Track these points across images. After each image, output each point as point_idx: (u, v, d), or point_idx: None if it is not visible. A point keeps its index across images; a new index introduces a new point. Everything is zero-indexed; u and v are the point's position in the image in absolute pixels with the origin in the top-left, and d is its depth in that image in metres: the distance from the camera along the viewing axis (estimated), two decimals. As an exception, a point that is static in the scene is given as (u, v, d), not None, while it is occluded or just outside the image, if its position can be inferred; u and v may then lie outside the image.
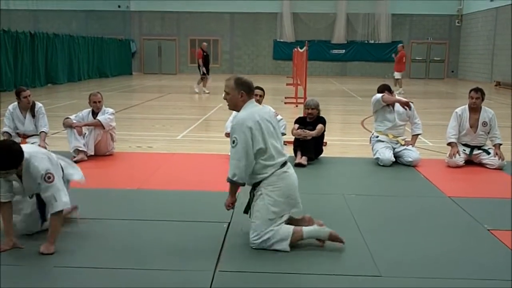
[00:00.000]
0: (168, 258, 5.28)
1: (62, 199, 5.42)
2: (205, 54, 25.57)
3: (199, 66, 25.60)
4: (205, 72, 25.35)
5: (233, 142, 5.43)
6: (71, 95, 23.53)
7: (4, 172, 5.18)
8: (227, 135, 10.10)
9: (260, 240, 5.45)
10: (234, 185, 5.64)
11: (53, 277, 4.88)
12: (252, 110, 5.59)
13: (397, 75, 26.91)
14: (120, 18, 43.17)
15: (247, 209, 5.79)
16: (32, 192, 5.64)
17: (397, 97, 10.16)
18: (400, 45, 28.72)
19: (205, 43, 26.93)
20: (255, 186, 5.64)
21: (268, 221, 5.46)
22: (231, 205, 5.77)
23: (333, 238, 5.60)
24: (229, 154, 5.58)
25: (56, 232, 5.43)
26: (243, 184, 5.62)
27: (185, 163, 9.70)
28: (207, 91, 24.80)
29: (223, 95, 5.79)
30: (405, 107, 9.83)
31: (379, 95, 9.90)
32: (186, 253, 5.41)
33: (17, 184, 5.50)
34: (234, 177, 5.49)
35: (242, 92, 5.60)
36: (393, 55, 27.73)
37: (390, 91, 10.03)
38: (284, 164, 5.64)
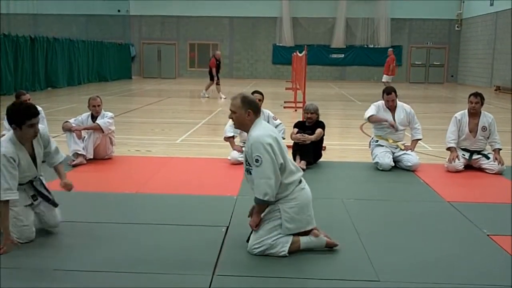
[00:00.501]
0: (166, 262, 5.26)
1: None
2: (218, 62, 25.65)
3: (211, 73, 25.56)
4: (218, 78, 25.54)
5: (257, 161, 5.25)
6: (71, 99, 23.52)
7: (36, 120, 5.59)
8: (226, 139, 10.12)
9: (261, 249, 5.41)
10: (263, 205, 5.46)
11: (52, 280, 4.85)
12: (264, 127, 5.49)
13: (385, 78, 26.98)
14: (120, 22, 43.25)
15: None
16: (40, 160, 5.90)
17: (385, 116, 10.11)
18: (390, 49, 28.70)
19: (218, 52, 27.18)
20: None
21: (275, 233, 5.45)
22: (257, 227, 5.54)
23: (329, 245, 5.63)
24: (253, 173, 5.40)
25: (64, 174, 6.24)
26: (274, 203, 5.49)
27: (184, 167, 9.69)
28: (223, 96, 24.67)
29: (229, 114, 5.64)
30: (392, 127, 9.87)
31: (368, 114, 9.98)
32: (184, 257, 5.39)
33: (28, 161, 5.71)
34: (266, 196, 5.31)
35: (249, 111, 5.45)
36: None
37: (396, 94, 10.01)
38: (301, 180, 5.61)
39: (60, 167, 6.24)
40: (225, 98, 24.04)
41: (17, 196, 5.55)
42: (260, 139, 5.29)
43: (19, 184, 5.68)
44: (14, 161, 5.54)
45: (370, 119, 10.00)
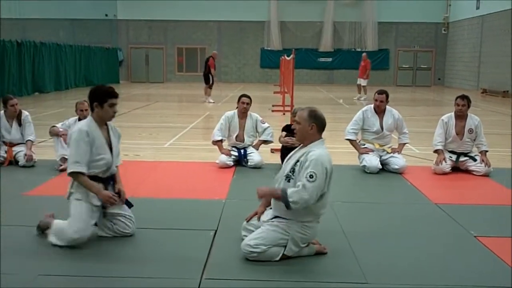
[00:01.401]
0: (154, 266, 5.26)
1: None
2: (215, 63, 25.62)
3: (210, 75, 25.21)
4: (213, 81, 25.40)
5: (311, 177, 5.22)
6: (58, 103, 23.44)
7: (116, 101, 5.92)
8: (214, 143, 10.13)
9: (255, 251, 5.36)
10: (282, 199, 5.34)
11: (37, 286, 4.83)
12: (328, 152, 5.50)
13: (364, 82, 27.06)
14: (107, 27, 43.11)
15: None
16: (117, 150, 6.11)
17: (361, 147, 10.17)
18: (364, 54, 28.67)
19: (215, 51, 27.03)
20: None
21: (273, 244, 5.43)
22: (260, 196, 5.62)
23: (318, 252, 5.66)
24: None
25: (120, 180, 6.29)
26: (290, 219, 5.44)
27: (172, 171, 9.69)
28: (212, 101, 24.60)
29: (294, 124, 5.64)
30: (367, 152, 9.91)
31: (347, 135, 10.14)
32: (173, 260, 5.40)
33: (102, 142, 5.90)
34: (293, 204, 5.23)
35: (313, 125, 5.44)
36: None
37: (387, 98, 10.05)
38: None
39: (117, 171, 6.25)
40: (213, 103, 24.04)
41: (85, 170, 5.71)
42: (323, 160, 5.33)
43: (97, 178, 5.85)
44: (88, 135, 5.75)
45: (350, 141, 10.15)
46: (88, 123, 5.86)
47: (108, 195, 5.74)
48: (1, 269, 5.09)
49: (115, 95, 5.91)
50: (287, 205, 5.28)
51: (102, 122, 5.93)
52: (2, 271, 5.04)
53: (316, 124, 5.44)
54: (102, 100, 5.81)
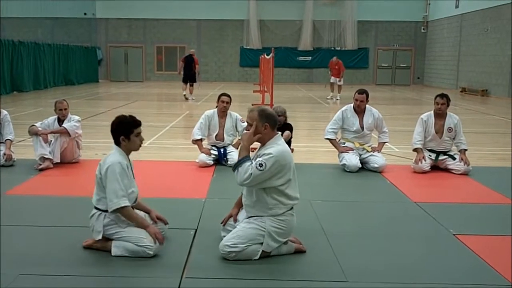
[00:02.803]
0: (134, 265, 5.25)
1: None
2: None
3: (196, 73, 25.64)
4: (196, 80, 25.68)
5: (261, 165, 5.28)
6: (37, 102, 23.30)
7: (141, 129, 5.81)
8: (194, 142, 10.12)
9: (233, 250, 5.36)
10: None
11: (18, 285, 4.80)
12: (283, 147, 5.50)
13: (336, 80, 27.10)
14: (86, 26, 42.91)
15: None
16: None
17: (341, 145, 10.19)
18: (335, 57, 28.56)
19: (193, 50, 27.15)
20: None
21: (251, 241, 5.43)
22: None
23: (297, 251, 5.67)
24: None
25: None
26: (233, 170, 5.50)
27: (152, 171, 9.64)
28: (193, 98, 24.87)
29: (246, 126, 5.65)
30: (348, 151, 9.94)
31: (327, 135, 10.16)
32: (153, 260, 5.38)
33: (131, 176, 5.80)
34: (237, 173, 5.38)
35: (266, 125, 5.45)
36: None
37: (368, 98, 10.08)
38: (292, 207, 5.63)
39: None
40: (193, 100, 24.14)
41: (129, 203, 5.55)
42: (277, 154, 5.35)
43: None
44: (127, 169, 5.64)
45: (330, 140, 10.17)
46: (120, 155, 5.69)
47: (157, 231, 5.55)
48: (1, 268, 5.07)
49: (139, 123, 5.79)
50: (235, 167, 5.44)
51: (129, 153, 5.82)
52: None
53: (269, 123, 5.47)
54: (128, 132, 5.68)
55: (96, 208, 5.64)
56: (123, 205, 5.43)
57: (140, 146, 5.84)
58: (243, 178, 5.32)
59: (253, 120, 5.47)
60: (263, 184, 5.36)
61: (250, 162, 5.37)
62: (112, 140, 5.74)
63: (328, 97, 26.78)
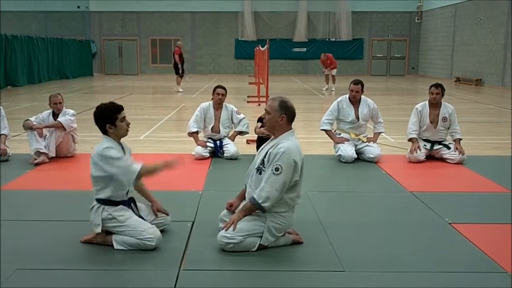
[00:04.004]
0: (132, 258, 5.26)
1: None
2: (180, 52, 25.77)
3: (178, 65, 25.63)
4: (183, 70, 25.82)
5: (277, 169, 5.25)
6: (31, 97, 23.24)
7: (125, 113, 5.81)
8: (190, 134, 10.11)
9: (231, 241, 5.36)
10: (254, 208, 5.42)
11: (15, 280, 4.80)
12: (297, 143, 5.46)
13: (330, 71, 27.15)
14: (80, 19, 42.75)
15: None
16: None
17: (337, 137, 10.21)
18: (322, 54, 28.56)
19: (180, 42, 27.27)
20: None
21: (249, 234, 5.44)
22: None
23: (294, 242, 5.69)
24: (267, 178, 5.33)
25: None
26: (264, 212, 5.45)
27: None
28: (181, 90, 24.88)
29: (263, 114, 5.63)
30: (343, 142, 9.96)
31: (323, 125, 10.16)
32: (150, 252, 5.39)
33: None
34: (264, 203, 5.30)
35: (283, 116, 5.42)
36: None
37: (363, 88, 10.09)
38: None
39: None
40: (181, 92, 24.25)
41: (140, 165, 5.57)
42: (291, 152, 5.31)
43: (122, 202, 5.67)
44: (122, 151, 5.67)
45: (325, 131, 10.18)
46: (109, 142, 5.64)
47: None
48: (0, 268, 5.09)
49: (122, 108, 5.76)
50: (262, 209, 5.35)
51: (119, 140, 5.77)
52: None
53: (286, 115, 5.44)
54: (112, 119, 5.63)
55: (96, 200, 5.63)
56: (139, 168, 5.49)
57: (127, 130, 5.80)
58: (272, 194, 5.30)
59: (272, 109, 5.44)
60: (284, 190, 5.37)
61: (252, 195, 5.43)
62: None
63: (323, 89, 26.78)
